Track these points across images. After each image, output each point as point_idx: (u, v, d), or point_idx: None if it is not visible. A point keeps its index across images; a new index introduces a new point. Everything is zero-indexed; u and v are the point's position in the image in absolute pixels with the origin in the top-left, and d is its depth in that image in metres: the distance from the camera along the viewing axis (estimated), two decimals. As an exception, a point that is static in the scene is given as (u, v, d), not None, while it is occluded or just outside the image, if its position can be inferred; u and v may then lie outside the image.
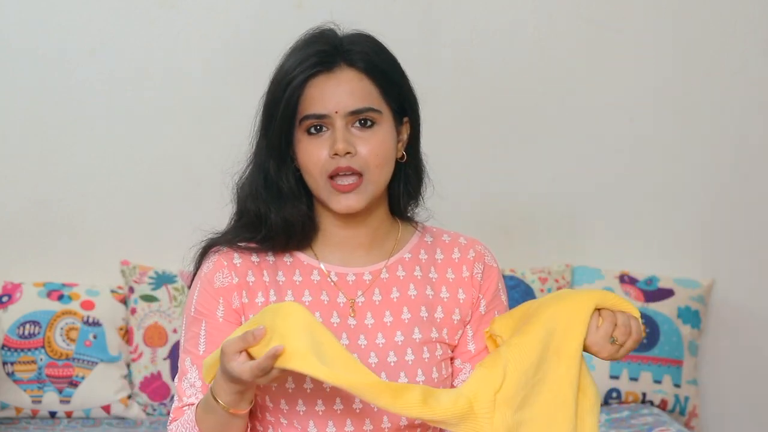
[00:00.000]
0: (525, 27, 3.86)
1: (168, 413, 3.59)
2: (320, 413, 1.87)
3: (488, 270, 1.99)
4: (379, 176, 1.89)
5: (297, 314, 1.74)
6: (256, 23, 3.76)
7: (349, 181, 1.86)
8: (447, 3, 3.83)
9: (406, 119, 1.95)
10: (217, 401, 1.77)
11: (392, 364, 1.88)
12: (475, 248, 2.00)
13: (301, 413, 1.87)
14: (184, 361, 1.90)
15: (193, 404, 1.87)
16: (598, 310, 1.88)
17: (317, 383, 1.85)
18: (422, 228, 2.01)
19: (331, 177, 1.86)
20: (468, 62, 3.84)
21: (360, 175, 1.86)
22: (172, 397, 3.59)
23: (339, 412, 1.87)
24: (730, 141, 3.93)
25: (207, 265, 1.92)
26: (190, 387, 1.88)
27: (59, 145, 3.75)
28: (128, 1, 3.75)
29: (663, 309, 3.77)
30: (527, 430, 1.84)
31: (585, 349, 1.88)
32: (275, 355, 1.69)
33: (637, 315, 1.89)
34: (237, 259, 1.91)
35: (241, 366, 1.71)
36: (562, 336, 1.86)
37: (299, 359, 1.70)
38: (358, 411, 1.87)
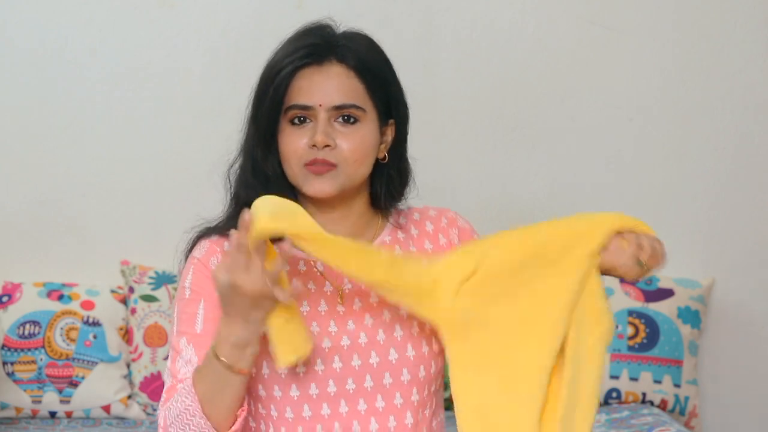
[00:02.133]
0: (525, 27, 3.86)
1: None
2: (314, 396, 1.88)
3: (462, 232, 2.04)
4: (355, 171, 1.92)
5: (265, 199, 1.77)
6: (256, 23, 3.76)
7: (321, 166, 1.90)
8: (447, 3, 3.83)
9: (391, 121, 1.98)
10: (219, 359, 1.76)
11: (382, 342, 1.90)
12: (447, 215, 2.05)
13: (295, 398, 1.88)
14: (179, 342, 1.89)
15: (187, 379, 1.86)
16: (619, 233, 1.89)
17: (309, 367, 1.87)
18: (395, 212, 2.05)
19: (307, 165, 1.90)
20: (468, 62, 3.84)
21: (333, 165, 1.90)
22: (172, 397, 3.59)
23: (332, 394, 1.88)
24: (730, 141, 3.93)
25: (199, 251, 1.94)
26: (186, 364, 1.87)
27: (59, 145, 3.75)
28: (128, 0, 3.75)
29: (663, 309, 3.77)
30: (491, 330, 1.83)
31: (609, 271, 1.88)
32: (245, 223, 1.71)
33: (655, 234, 1.91)
34: (227, 247, 1.93)
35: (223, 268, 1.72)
36: (563, 247, 1.85)
37: (272, 219, 1.72)
38: (351, 392, 1.89)
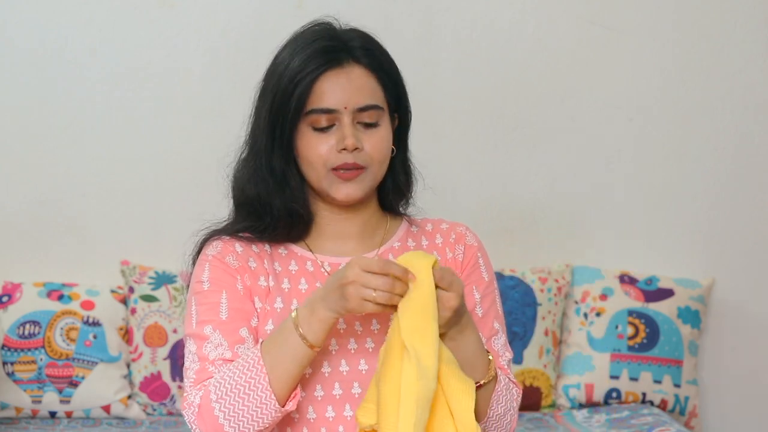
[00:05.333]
0: (525, 27, 3.86)
1: (168, 413, 3.60)
2: (319, 399, 1.89)
3: (468, 249, 2.02)
4: (379, 170, 1.93)
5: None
6: (256, 23, 3.76)
7: (351, 171, 1.90)
8: (447, 3, 3.83)
9: (395, 114, 1.98)
10: (298, 330, 1.78)
11: None
12: (456, 230, 2.04)
13: (300, 399, 1.88)
14: (203, 330, 1.88)
15: (224, 360, 1.85)
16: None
17: (316, 369, 1.87)
18: (408, 219, 2.05)
19: (334, 169, 1.90)
20: (468, 62, 3.84)
21: (362, 168, 1.90)
22: (173, 396, 3.59)
23: (338, 397, 1.89)
24: (730, 141, 3.93)
25: (214, 249, 1.94)
26: (217, 348, 1.86)
27: (59, 145, 3.75)
28: (128, 0, 3.75)
29: (663, 309, 3.77)
30: None
31: (449, 324, 1.81)
32: (405, 275, 1.73)
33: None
34: (239, 247, 1.95)
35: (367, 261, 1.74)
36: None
37: (414, 313, 1.73)
38: (357, 396, 1.89)
